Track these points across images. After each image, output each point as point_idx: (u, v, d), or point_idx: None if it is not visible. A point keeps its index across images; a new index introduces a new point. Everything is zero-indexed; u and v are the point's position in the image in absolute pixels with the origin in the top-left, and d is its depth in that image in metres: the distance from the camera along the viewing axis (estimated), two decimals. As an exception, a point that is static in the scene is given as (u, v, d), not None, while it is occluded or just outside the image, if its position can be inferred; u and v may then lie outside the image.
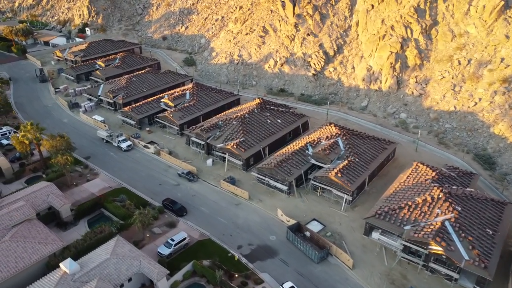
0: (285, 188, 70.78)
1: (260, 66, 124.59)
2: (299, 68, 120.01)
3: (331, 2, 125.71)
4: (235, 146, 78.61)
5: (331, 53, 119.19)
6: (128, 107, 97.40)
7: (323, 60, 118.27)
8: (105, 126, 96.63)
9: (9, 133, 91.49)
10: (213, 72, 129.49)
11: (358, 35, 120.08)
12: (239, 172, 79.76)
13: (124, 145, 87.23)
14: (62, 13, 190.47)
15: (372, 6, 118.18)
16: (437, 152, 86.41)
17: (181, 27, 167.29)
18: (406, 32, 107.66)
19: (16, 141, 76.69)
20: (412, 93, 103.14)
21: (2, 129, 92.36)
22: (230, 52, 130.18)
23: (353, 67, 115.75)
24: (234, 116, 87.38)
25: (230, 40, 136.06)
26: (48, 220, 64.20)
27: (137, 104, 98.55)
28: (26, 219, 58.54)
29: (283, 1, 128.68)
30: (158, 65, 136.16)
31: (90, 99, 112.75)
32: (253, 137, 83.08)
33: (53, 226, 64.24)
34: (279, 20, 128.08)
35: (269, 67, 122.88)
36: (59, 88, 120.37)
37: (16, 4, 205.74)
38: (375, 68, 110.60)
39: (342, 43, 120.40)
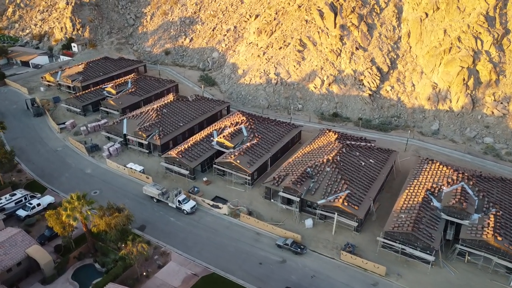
0: (431, 258, 55.30)
1: (303, 86, 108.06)
2: (349, 88, 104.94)
3: (375, 10, 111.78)
4: (346, 203, 61.92)
5: (385, 69, 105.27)
6: (174, 151, 77.15)
7: (378, 78, 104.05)
8: (147, 178, 75.98)
9: (25, 198, 68.48)
10: (247, 94, 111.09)
11: (410, 47, 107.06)
12: (351, 234, 63.19)
13: (187, 207, 67.47)
14: (35, 25, 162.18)
15: (426, 14, 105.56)
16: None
17: (185, 39, 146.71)
18: (476, 44, 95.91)
19: (55, 222, 55.01)
20: (493, 113, 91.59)
21: (15, 194, 68.88)
22: (264, 70, 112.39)
23: (413, 85, 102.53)
24: (324, 160, 70.50)
25: (259, 55, 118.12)
26: None
27: (185, 146, 78.52)
28: None
29: (320, 10, 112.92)
30: (176, 88, 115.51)
31: (109, 138, 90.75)
32: (357, 187, 66.85)
33: None
34: (318, 32, 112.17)
35: (315, 87, 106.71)
36: (64, 124, 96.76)
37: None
38: (442, 86, 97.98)
39: (395, 57, 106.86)
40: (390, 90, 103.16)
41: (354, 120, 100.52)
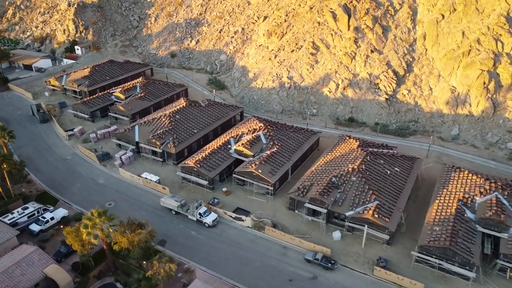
0: (472, 275, 52.67)
1: (317, 91, 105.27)
2: (365, 92, 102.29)
3: (390, 12, 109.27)
4: (376, 215, 59.22)
5: (401, 72, 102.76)
6: (191, 160, 74.05)
7: (394, 81, 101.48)
8: (164, 188, 72.82)
9: (38, 212, 65.12)
10: (259, 98, 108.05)
11: (426, 50, 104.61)
12: (381, 247, 60.47)
13: (209, 220, 64.43)
14: (36, 27, 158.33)
15: (442, 16, 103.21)
16: None
17: (191, 41, 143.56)
18: (497, 46, 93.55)
19: (74, 240, 51.85)
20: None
21: (27, 207, 65.46)
22: (277, 74, 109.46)
23: (430, 88, 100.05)
24: (349, 169, 67.77)
25: (270, 58, 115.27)
26: None
27: (202, 155, 75.35)
28: None
29: (333, 12, 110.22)
30: (185, 92, 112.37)
31: (120, 145, 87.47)
32: (385, 197, 64.21)
33: None
34: (332, 34, 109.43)
35: (329, 91, 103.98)
36: (72, 130, 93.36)
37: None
38: (461, 89, 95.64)
39: (411, 60, 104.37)
40: (407, 94, 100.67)
41: (370, 125, 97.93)
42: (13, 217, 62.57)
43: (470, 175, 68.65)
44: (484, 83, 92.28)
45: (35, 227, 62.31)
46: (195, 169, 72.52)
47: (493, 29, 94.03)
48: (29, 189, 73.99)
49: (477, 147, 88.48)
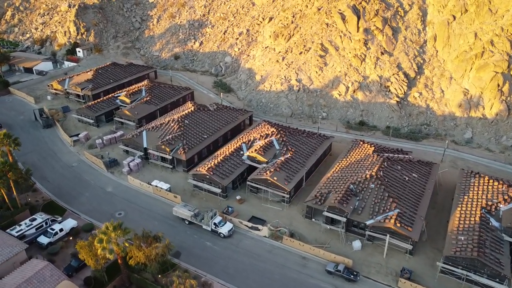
0: (503, 287, 50.78)
1: (327, 93, 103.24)
2: (375, 95, 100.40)
3: (399, 13, 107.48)
4: (398, 224, 57.27)
5: (412, 74, 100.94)
6: (203, 167, 71.71)
7: (405, 84, 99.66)
8: (175, 197, 70.48)
9: (46, 223, 62.63)
10: (268, 102, 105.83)
11: (437, 52, 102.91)
12: (403, 257, 58.51)
13: (224, 230, 62.21)
14: (36, 29, 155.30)
15: (454, 17, 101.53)
16: None
17: (194, 42, 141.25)
18: (511, 48, 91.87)
19: (87, 254, 49.46)
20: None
21: (35, 218, 62.90)
22: (285, 76, 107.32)
23: (442, 91, 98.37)
24: (367, 175, 65.80)
25: (278, 61, 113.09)
26: None
27: (214, 162, 73.03)
28: None
29: (342, 13, 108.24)
30: (191, 95, 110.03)
31: (127, 151, 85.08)
32: (405, 205, 62.29)
33: None
34: (340, 36, 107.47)
35: (339, 94, 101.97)
36: (77, 136, 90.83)
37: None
38: (473, 92, 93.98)
39: (422, 62, 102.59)
40: (418, 96, 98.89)
41: (381, 128, 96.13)
42: (21, 229, 60.07)
43: (491, 181, 66.84)
44: (498, 85, 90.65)
45: (43, 240, 59.84)
46: (208, 177, 70.25)
47: (507, 30, 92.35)
48: (35, 198, 71.44)
49: (491, 150, 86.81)
